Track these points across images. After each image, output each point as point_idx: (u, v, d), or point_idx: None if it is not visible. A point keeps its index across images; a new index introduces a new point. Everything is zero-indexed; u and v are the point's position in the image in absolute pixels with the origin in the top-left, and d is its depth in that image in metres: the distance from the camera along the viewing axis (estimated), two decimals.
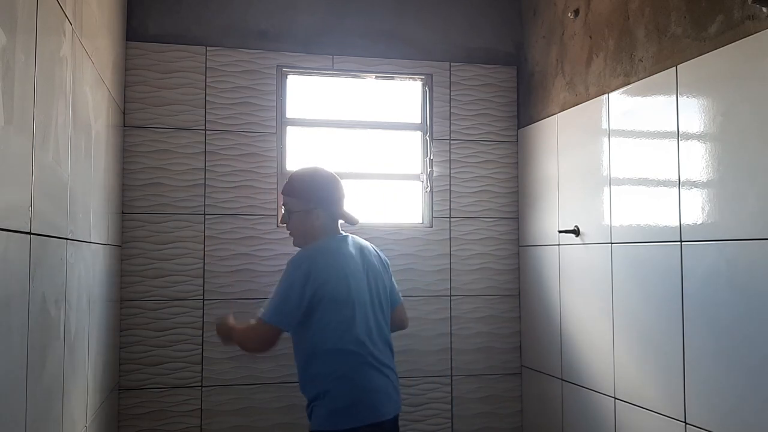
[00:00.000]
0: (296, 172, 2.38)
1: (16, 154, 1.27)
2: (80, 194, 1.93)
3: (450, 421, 3.16)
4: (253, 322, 2.23)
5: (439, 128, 3.25)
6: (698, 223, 2.08)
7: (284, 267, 2.27)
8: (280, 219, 2.38)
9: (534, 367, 3.12)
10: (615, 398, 2.50)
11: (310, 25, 3.13)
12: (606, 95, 2.58)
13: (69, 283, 1.78)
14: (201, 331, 2.93)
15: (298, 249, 2.33)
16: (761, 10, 1.82)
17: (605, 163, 2.57)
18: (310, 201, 2.28)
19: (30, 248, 1.36)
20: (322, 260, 2.19)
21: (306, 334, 2.18)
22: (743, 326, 1.89)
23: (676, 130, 2.19)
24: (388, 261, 2.46)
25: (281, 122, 3.10)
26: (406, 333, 3.12)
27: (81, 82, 1.92)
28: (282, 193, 2.35)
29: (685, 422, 2.11)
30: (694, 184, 2.10)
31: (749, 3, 1.83)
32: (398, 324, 2.47)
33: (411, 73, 3.26)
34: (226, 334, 2.33)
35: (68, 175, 1.75)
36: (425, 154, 3.27)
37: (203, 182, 2.97)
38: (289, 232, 2.37)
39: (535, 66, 3.17)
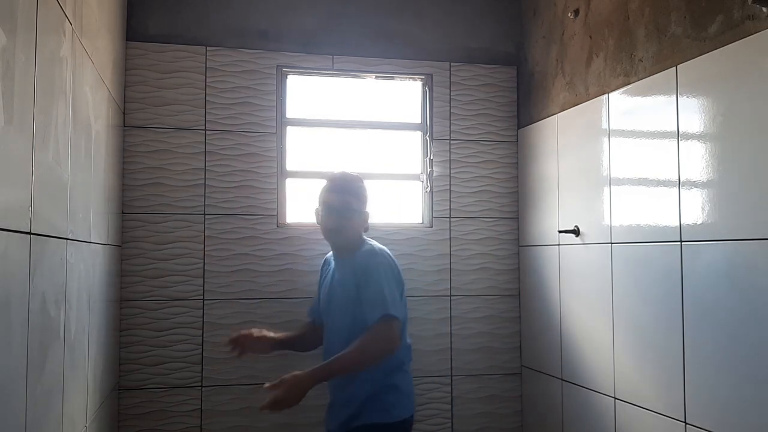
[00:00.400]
0: (349, 174, 2.46)
1: (16, 154, 1.27)
2: (80, 194, 1.93)
3: (450, 421, 3.16)
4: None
5: (439, 128, 3.25)
6: (698, 223, 2.08)
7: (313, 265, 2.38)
8: (331, 218, 2.36)
9: (534, 367, 3.12)
10: (615, 398, 2.50)
11: (310, 25, 3.13)
12: (606, 95, 2.58)
13: (69, 283, 1.78)
14: (201, 331, 2.93)
15: (341, 246, 2.38)
16: (761, 10, 1.82)
17: (605, 163, 2.57)
18: (367, 203, 2.42)
19: (30, 248, 1.36)
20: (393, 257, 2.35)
21: None
22: (743, 326, 1.89)
23: (676, 130, 2.19)
24: None
25: (281, 122, 3.10)
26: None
27: (81, 82, 1.92)
28: (343, 192, 2.37)
29: (685, 422, 2.11)
30: (694, 184, 2.10)
31: (749, 3, 1.83)
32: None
33: (411, 73, 3.26)
34: (316, 378, 2.15)
35: (68, 175, 1.75)
36: (425, 154, 3.27)
37: (203, 182, 2.96)
38: (335, 228, 2.36)
39: (535, 66, 3.17)
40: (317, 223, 2.46)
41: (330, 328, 2.41)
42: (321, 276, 2.58)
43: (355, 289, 2.25)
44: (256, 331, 2.49)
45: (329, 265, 2.52)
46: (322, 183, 2.45)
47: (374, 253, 2.29)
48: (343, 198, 2.35)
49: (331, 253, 2.52)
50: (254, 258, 3.00)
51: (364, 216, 2.40)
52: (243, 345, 2.46)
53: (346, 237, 2.35)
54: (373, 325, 2.14)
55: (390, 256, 2.32)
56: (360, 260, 2.28)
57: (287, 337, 2.56)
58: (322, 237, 2.46)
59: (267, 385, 2.10)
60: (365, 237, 2.41)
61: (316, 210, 2.45)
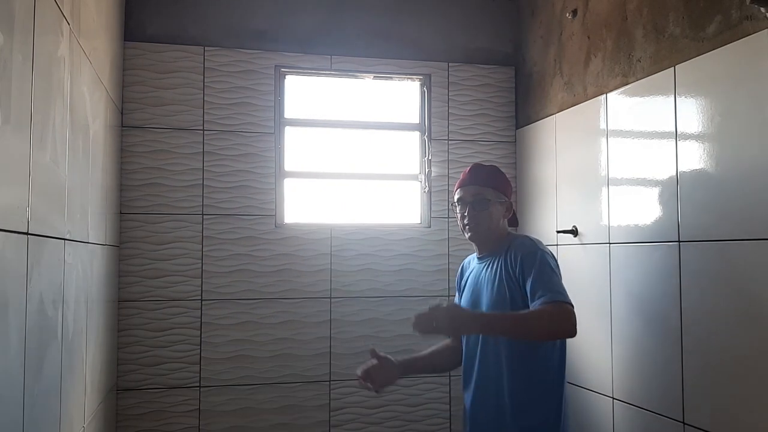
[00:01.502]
0: (480, 165, 2.28)
1: (14, 154, 1.27)
2: (78, 194, 1.93)
3: (448, 421, 3.16)
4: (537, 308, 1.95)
5: (437, 128, 3.25)
6: (696, 223, 2.08)
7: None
8: (465, 213, 2.18)
9: None
10: (613, 398, 2.50)
11: (309, 25, 3.13)
12: (604, 95, 2.58)
13: (67, 284, 1.77)
14: (199, 332, 2.92)
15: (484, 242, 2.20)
16: (759, 10, 1.82)
17: (603, 164, 2.57)
18: (507, 192, 2.23)
19: (27, 249, 1.35)
20: None
21: None
22: (741, 326, 1.89)
23: (674, 130, 2.19)
24: None
25: (279, 122, 3.10)
26: (404, 333, 3.12)
27: (79, 82, 1.91)
28: (474, 184, 2.18)
29: (683, 422, 2.11)
30: (692, 184, 2.10)
31: (747, 3, 1.83)
32: None
33: (409, 74, 3.26)
34: (478, 321, 1.98)
35: (66, 176, 1.75)
36: (423, 154, 3.27)
37: (201, 182, 2.96)
38: (470, 224, 2.17)
39: (533, 66, 3.17)
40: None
41: (474, 336, 2.18)
42: (459, 284, 2.36)
43: (509, 285, 2.06)
44: (379, 362, 2.19)
45: (467, 270, 2.33)
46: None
47: (535, 243, 2.11)
48: (476, 190, 2.18)
49: (468, 258, 2.37)
50: (252, 258, 3.00)
51: (505, 206, 2.21)
52: (374, 379, 2.17)
53: (484, 231, 2.17)
54: (550, 302, 1.91)
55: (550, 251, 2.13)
56: (518, 251, 2.07)
57: (414, 358, 2.31)
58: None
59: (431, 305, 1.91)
60: (511, 231, 2.25)
61: (453, 209, 2.29)
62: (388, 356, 2.21)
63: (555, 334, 1.99)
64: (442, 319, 1.87)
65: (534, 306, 1.95)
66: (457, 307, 1.97)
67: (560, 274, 2.07)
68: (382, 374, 2.18)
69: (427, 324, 1.87)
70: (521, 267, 2.04)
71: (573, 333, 1.95)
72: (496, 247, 2.19)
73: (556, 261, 2.11)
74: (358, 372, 2.19)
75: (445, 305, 1.91)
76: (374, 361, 2.19)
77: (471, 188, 2.19)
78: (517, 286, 2.05)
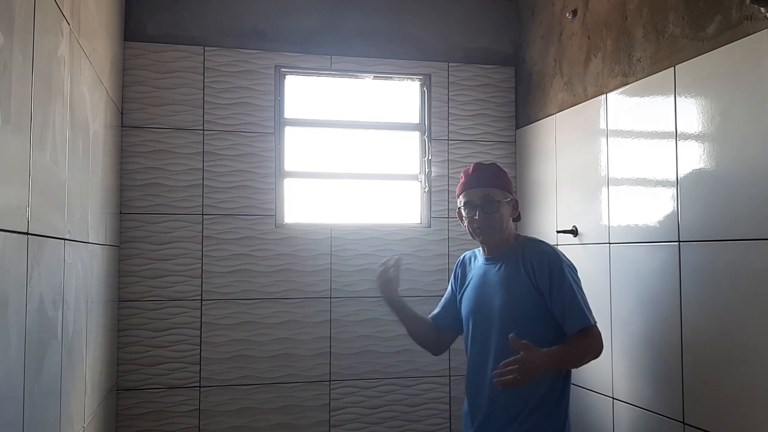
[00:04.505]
0: (483, 164, 2.23)
1: (14, 154, 1.27)
2: (78, 194, 1.93)
3: (448, 421, 3.16)
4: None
5: (437, 128, 3.25)
6: (696, 223, 2.08)
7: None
8: (475, 216, 2.14)
9: None
10: (613, 398, 2.50)
11: (309, 25, 3.13)
12: (604, 95, 2.58)
13: (67, 284, 1.77)
14: (199, 332, 2.92)
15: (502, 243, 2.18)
16: (759, 10, 1.82)
17: (603, 164, 2.57)
18: (511, 190, 2.21)
19: (27, 249, 1.35)
20: None
21: (557, 334, 2.08)
22: (741, 326, 1.89)
23: (674, 130, 2.19)
24: None
25: (279, 122, 3.10)
26: (405, 333, 3.12)
27: (79, 82, 1.92)
28: (481, 185, 2.15)
29: (683, 422, 2.11)
30: (692, 184, 2.10)
31: (747, 3, 1.83)
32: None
33: (409, 74, 3.26)
34: (550, 362, 1.95)
35: (66, 176, 1.75)
36: (423, 154, 3.27)
37: (201, 182, 2.96)
38: (482, 227, 2.14)
39: (533, 66, 3.17)
40: (462, 224, 2.24)
41: (485, 334, 2.16)
42: (458, 279, 2.36)
43: (527, 289, 2.07)
44: (393, 272, 2.30)
45: (470, 265, 2.32)
46: (460, 179, 2.24)
47: (557, 253, 2.11)
48: (483, 192, 2.14)
49: (468, 254, 2.36)
50: (252, 258, 3.00)
51: (512, 204, 2.19)
52: (385, 278, 2.31)
53: (496, 233, 2.14)
54: (586, 329, 2.02)
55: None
56: (540, 260, 2.08)
57: (412, 311, 2.39)
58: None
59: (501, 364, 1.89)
60: (517, 232, 2.23)
61: (458, 211, 2.24)
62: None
63: (594, 358, 2.09)
64: (526, 371, 1.86)
65: (571, 333, 2.04)
66: (531, 353, 1.88)
67: (580, 282, 2.11)
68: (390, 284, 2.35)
69: (515, 382, 1.85)
70: (547, 281, 2.06)
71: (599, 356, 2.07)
72: (507, 247, 2.18)
73: (575, 269, 2.13)
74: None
75: (518, 359, 1.87)
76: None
77: (478, 191, 2.15)
78: (536, 293, 2.08)
